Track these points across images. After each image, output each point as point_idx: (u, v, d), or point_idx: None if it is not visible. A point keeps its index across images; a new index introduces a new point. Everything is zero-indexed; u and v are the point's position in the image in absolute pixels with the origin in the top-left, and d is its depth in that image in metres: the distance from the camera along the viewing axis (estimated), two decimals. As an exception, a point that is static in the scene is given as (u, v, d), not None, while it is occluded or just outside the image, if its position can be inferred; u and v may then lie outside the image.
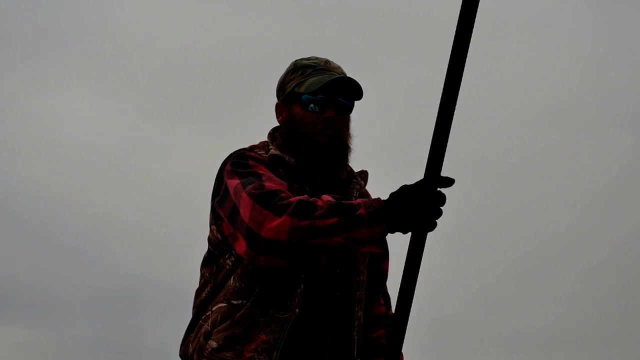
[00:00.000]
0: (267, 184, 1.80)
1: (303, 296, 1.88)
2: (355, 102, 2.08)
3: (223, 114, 8.80)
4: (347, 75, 2.06)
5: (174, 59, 8.86)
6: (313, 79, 2.00)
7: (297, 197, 1.74)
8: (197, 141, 8.84)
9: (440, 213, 1.64)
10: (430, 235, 1.68)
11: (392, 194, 1.67)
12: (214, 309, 1.92)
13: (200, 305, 1.98)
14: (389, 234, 1.71)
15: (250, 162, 1.93)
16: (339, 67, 2.08)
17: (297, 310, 1.87)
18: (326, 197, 1.73)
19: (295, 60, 2.10)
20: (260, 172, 1.87)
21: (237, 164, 1.92)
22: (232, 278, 1.92)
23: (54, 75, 8.72)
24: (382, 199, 1.69)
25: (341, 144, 2.03)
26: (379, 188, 2.13)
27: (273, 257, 1.74)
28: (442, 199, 1.64)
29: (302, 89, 2.01)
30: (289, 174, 1.98)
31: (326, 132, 1.99)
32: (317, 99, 1.99)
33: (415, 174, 1.70)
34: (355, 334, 1.99)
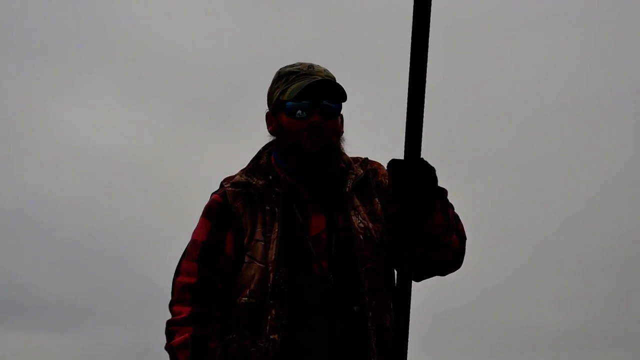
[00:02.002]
0: (183, 262, 2.06)
1: (285, 319, 1.90)
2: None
3: (251, 117, 8.77)
4: (332, 77, 2.05)
5: (201, 63, 8.86)
6: (295, 85, 1.99)
7: (180, 311, 1.99)
8: (227, 145, 8.83)
9: None
10: None
11: None
12: (219, 344, 1.98)
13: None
14: None
15: (203, 211, 2.08)
16: (325, 70, 2.06)
17: (273, 337, 1.88)
18: (181, 340, 1.96)
19: (280, 68, 2.09)
20: (195, 235, 2.06)
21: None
22: (223, 313, 2.02)
23: (79, 81, 8.76)
24: None
25: (328, 149, 2.01)
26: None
27: None
28: None
29: (286, 96, 2.00)
30: (255, 198, 2.01)
31: (313, 138, 1.98)
32: (301, 105, 1.98)
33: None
34: (370, 324, 1.93)
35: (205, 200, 2.08)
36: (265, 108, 2.13)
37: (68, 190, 8.53)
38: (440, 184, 1.84)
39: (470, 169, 8.26)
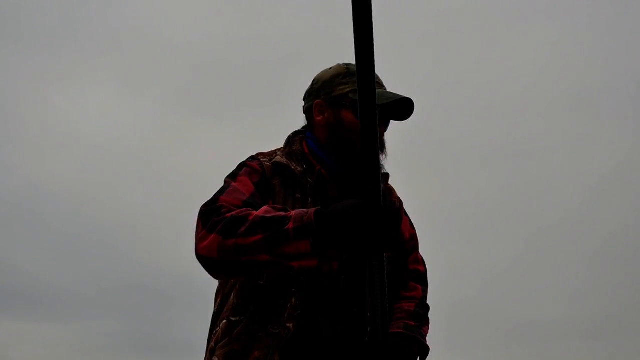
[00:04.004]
0: (223, 197, 1.81)
1: (299, 310, 1.87)
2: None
3: (245, 105, 8.77)
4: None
5: (195, 52, 8.85)
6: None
7: (236, 211, 1.72)
8: (221, 133, 8.84)
9: (391, 234, 1.53)
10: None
11: (323, 211, 1.62)
12: (220, 325, 1.93)
13: (213, 318, 2.01)
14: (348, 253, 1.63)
15: (242, 171, 1.94)
16: (381, 79, 2.05)
17: (289, 325, 1.86)
18: (263, 209, 1.70)
19: (348, 65, 2.05)
20: (234, 184, 1.87)
21: (231, 174, 1.95)
22: (232, 294, 1.94)
23: (73, 70, 8.78)
24: (315, 210, 1.63)
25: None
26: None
27: (215, 273, 1.78)
28: (389, 219, 1.52)
29: None
30: (290, 183, 1.96)
31: None
32: None
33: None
34: (367, 338, 1.94)
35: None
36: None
37: (64, 179, 8.55)
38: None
39: (463, 159, 8.27)
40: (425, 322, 2.08)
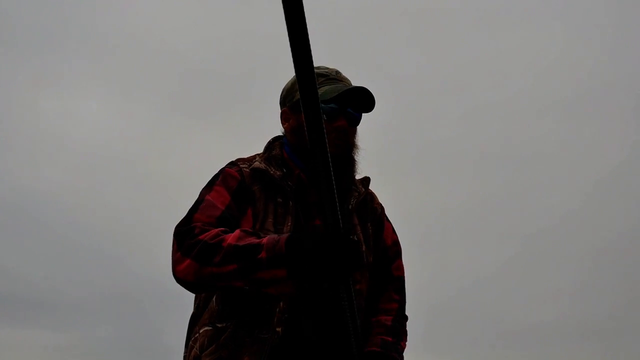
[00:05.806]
0: (196, 215, 1.84)
1: (287, 314, 1.87)
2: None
3: (235, 111, 8.77)
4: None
5: (185, 59, 8.84)
6: (326, 87, 1.96)
7: (208, 234, 1.75)
8: (210, 139, 8.83)
9: (357, 262, 1.60)
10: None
11: (293, 239, 1.65)
12: (201, 331, 1.92)
13: (191, 321, 2.00)
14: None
15: (218, 180, 1.95)
16: (348, 79, 2.05)
17: (278, 330, 1.85)
18: (235, 235, 1.72)
19: None
20: (209, 197, 1.89)
21: (208, 183, 1.97)
22: (213, 299, 1.93)
23: (63, 75, 8.76)
24: (285, 240, 1.66)
25: (349, 155, 2.01)
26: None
27: (193, 292, 1.84)
28: (353, 247, 1.59)
29: None
30: (270, 188, 1.96)
31: (337, 142, 1.96)
32: (328, 108, 1.95)
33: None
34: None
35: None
36: (274, 102, 2.09)
37: (55, 184, 8.52)
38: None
39: (470, 161, 8.28)
40: (403, 336, 2.06)
